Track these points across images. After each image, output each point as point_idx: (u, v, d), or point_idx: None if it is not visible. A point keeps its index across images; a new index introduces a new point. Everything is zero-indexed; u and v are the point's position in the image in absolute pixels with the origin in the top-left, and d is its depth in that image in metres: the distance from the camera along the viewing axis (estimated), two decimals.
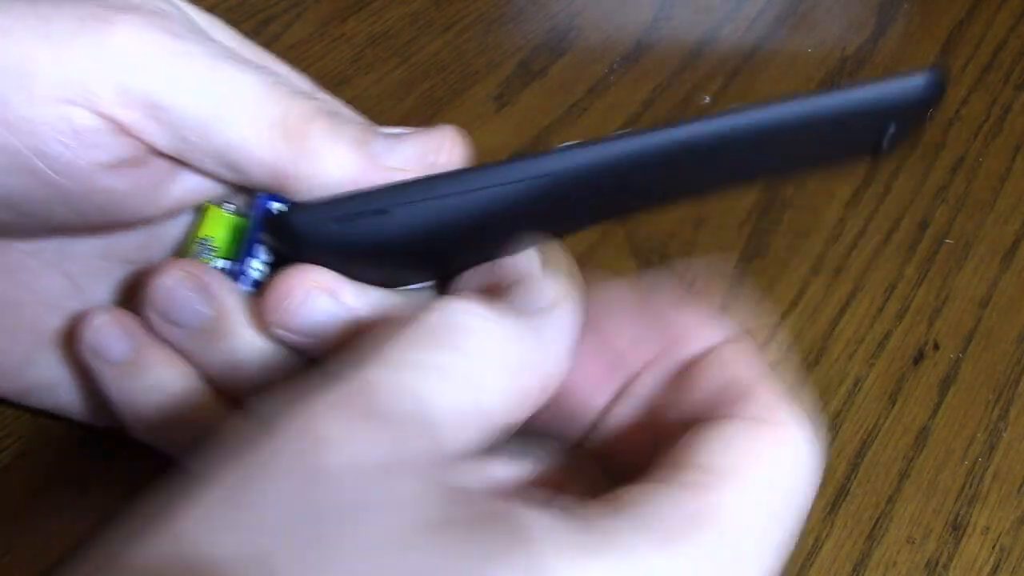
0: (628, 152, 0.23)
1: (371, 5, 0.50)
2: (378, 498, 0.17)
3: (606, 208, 0.27)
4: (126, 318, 0.27)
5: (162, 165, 0.26)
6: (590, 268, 0.39)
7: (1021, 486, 0.34)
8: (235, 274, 0.27)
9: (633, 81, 0.48)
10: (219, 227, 0.27)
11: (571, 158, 0.23)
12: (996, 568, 0.32)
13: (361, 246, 0.25)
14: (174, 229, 0.29)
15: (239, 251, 0.27)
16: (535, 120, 0.45)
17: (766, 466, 0.20)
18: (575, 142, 0.24)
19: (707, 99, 0.47)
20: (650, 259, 0.40)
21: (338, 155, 0.25)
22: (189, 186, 0.26)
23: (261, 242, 0.27)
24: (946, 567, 0.32)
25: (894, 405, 0.36)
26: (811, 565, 0.31)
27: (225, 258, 0.27)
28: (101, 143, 0.24)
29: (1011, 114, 0.47)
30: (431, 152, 0.25)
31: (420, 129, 0.26)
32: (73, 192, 0.25)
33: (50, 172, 0.24)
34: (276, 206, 0.26)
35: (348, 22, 0.49)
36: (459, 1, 0.51)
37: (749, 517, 0.19)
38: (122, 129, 0.24)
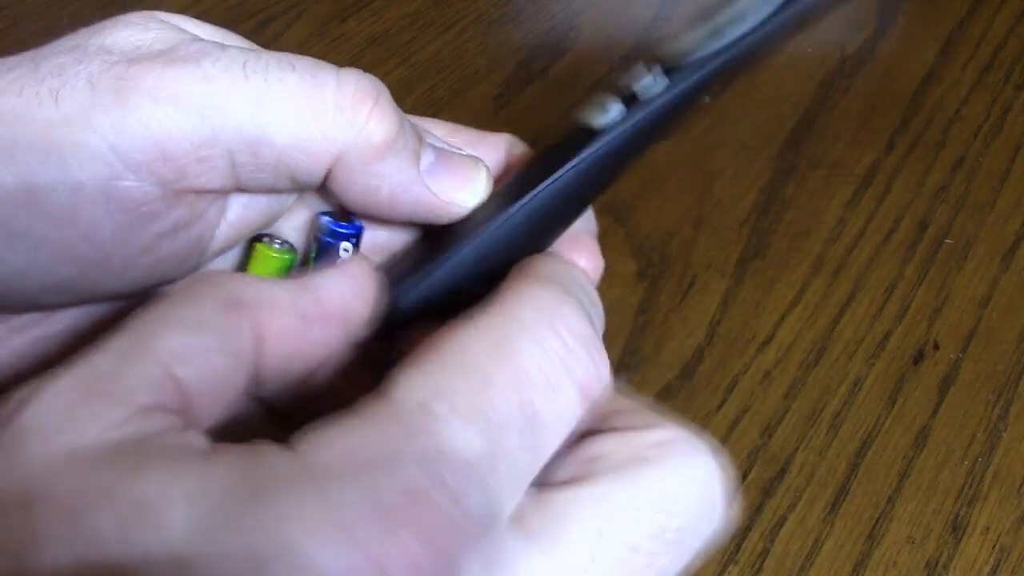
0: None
1: (371, 5, 0.50)
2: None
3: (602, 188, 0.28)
4: None
5: (213, 211, 0.25)
6: None
7: (1021, 486, 0.34)
8: None
9: None
10: (269, 267, 0.27)
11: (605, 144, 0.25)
12: (996, 568, 0.32)
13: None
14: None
15: None
16: (535, 120, 0.45)
17: (656, 469, 0.19)
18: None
19: (707, 99, 0.47)
20: (650, 259, 0.40)
21: (397, 150, 0.24)
22: (235, 222, 0.26)
23: None
24: (946, 567, 0.32)
25: (894, 405, 0.36)
26: (811, 565, 0.31)
27: None
28: (155, 212, 0.23)
29: (1011, 114, 0.47)
30: (465, 186, 0.25)
31: (456, 152, 0.26)
32: (129, 266, 0.23)
33: (105, 254, 0.23)
34: (343, 246, 0.26)
35: (348, 22, 0.49)
36: (459, 1, 0.51)
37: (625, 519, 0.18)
38: (174, 191, 0.23)
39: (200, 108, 0.22)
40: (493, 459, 0.17)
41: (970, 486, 0.34)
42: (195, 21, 0.25)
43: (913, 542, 0.32)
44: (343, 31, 0.49)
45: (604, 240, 0.40)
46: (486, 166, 0.26)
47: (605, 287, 0.39)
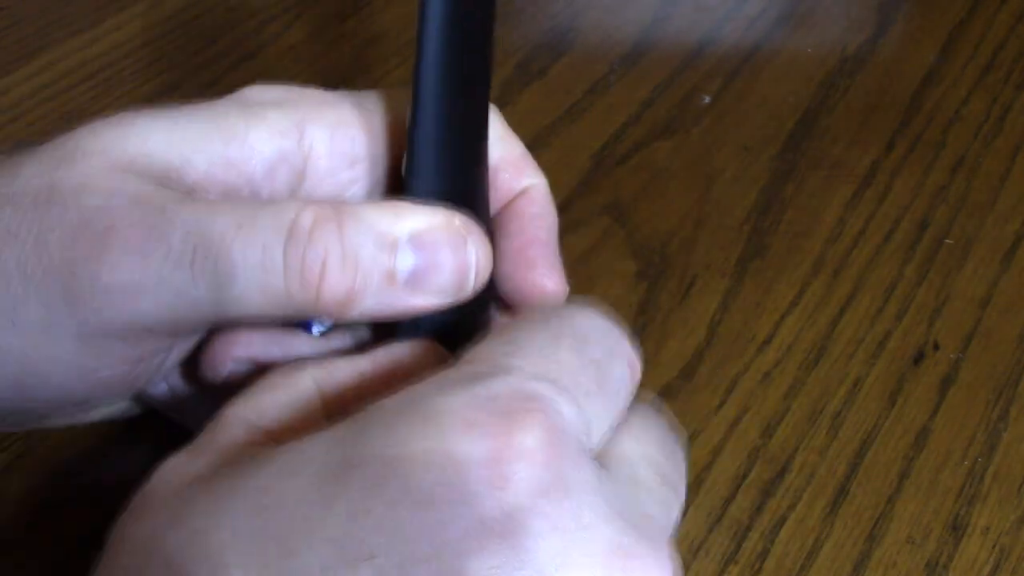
0: None
1: (371, 5, 0.50)
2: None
3: None
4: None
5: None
6: (590, 268, 0.40)
7: (1021, 486, 0.34)
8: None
9: (633, 81, 0.48)
10: None
11: None
12: (996, 568, 0.32)
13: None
14: None
15: None
16: (535, 120, 0.45)
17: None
18: None
19: (707, 99, 0.47)
20: (650, 259, 0.40)
21: (364, 299, 0.23)
22: None
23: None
24: (946, 567, 0.32)
25: (894, 405, 0.36)
26: (811, 565, 0.31)
27: None
28: (135, 374, 0.24)
29: (1011, 114, 0.47)
30: (463, 278, 0.24)
31: (437, 230, 0.23)
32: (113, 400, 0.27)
33: (92, 406, 0.26)
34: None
35: (348, 22, 0.49)
36: None
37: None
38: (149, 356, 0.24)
39: (157, 305, 0.22)
40: (576, 392, 0.20)
41: (970, 486, 0.34)
42: (148, 151, 0.23)
43: (913, 542, 0.32)
44: (343, 31, 0.49)
45: (604, 240, 0.41)
46: (469, 233, 0.24)
47: (605, 287, 0.40)
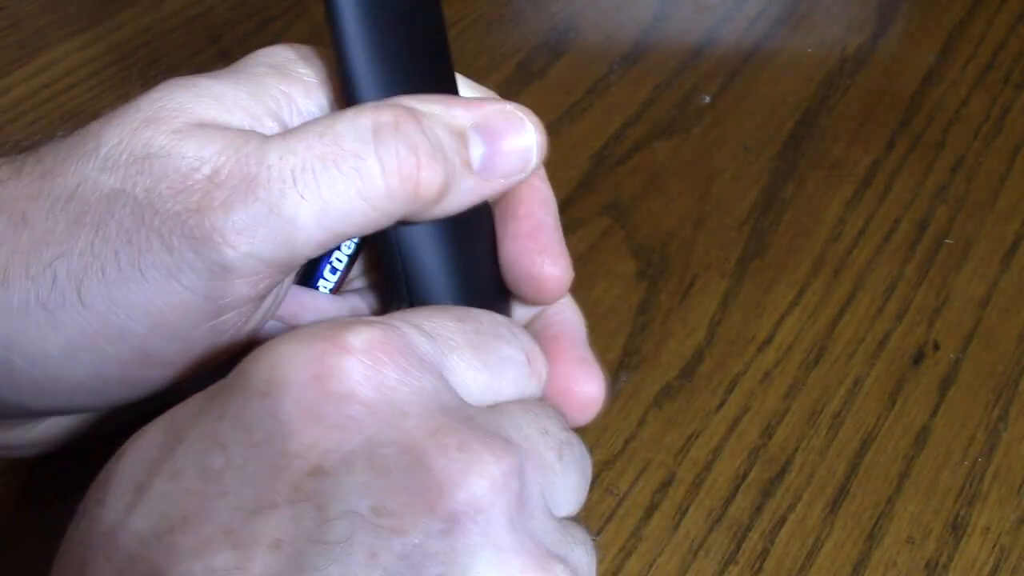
0: None
1: None
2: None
3: None
4: None
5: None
6: (590, 268, 0.40)
7: (1021, 486, 0.34)
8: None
9: (633, 81, 0.48)
10: None
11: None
12: (996, 568, 0.32)
13: None
14: None
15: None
16: None
17: None
18: None
19: (707, 99, 0.47)
20: (650, 259, 0.40)
21: (453, 188, 0.24)
22: None
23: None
24: (946, 567, 0.32)
25: (894, 405, 0.36)
26: (811, 565, 0.31)
27: None
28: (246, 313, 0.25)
29: (1011, 114, 0.47)
30: (527, 157, 0.25)
31: (497, 116, 0.25)
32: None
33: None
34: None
35: None
36: (459, 1, 0.51)
37: None
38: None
39: (273, 242, 0.23)
40: (438, 337, 0.22)
41: (970, 486, 0.34)
42: (219, 102, 0.24)
43: (913, 542, 0.32)
44: None
45: (604, 240, 0.41)
46: (527, 117, 0.25)
47: (605, 287, 0.40)
